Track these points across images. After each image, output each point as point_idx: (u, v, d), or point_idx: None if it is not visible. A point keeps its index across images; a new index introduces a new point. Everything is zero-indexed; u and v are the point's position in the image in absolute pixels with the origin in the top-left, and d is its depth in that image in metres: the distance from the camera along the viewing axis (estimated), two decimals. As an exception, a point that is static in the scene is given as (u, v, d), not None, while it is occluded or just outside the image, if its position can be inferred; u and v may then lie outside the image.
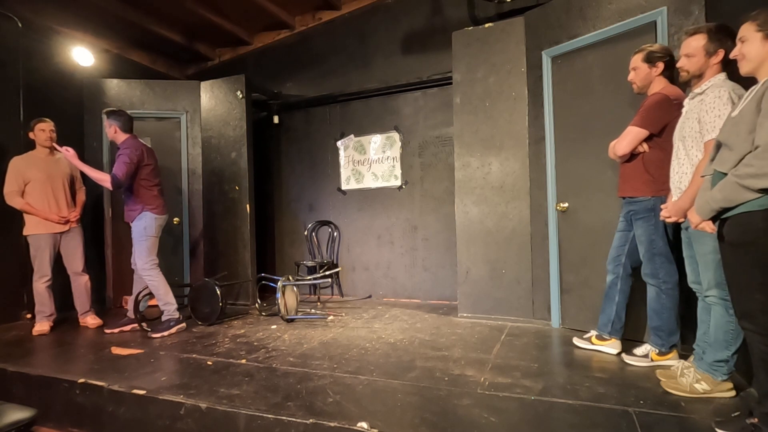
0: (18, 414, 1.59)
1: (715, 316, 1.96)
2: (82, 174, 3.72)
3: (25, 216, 3.45)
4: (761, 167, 1.44)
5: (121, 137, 3.34)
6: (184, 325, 3.43)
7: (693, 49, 2.04)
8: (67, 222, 3.52)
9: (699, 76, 2.06)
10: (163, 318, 3.39)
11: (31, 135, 3.49)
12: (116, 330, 3.41)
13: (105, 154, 4.41)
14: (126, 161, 3.21)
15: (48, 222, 3.45)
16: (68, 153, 3.23)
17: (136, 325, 3.46)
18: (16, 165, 3.44)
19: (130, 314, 3.47)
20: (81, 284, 3.63)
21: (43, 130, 3.46)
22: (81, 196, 3.72)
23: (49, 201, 3.47)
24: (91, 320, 3.62)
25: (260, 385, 2.24)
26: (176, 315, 3.40)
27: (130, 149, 3.27)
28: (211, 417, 1.99)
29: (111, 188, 3.25)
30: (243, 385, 2.24)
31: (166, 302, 3.37)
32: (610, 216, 2.84)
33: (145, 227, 3.31)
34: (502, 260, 3.52)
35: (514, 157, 3.49)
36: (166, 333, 3.28)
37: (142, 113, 4.57)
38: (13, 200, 3.40)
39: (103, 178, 3.22)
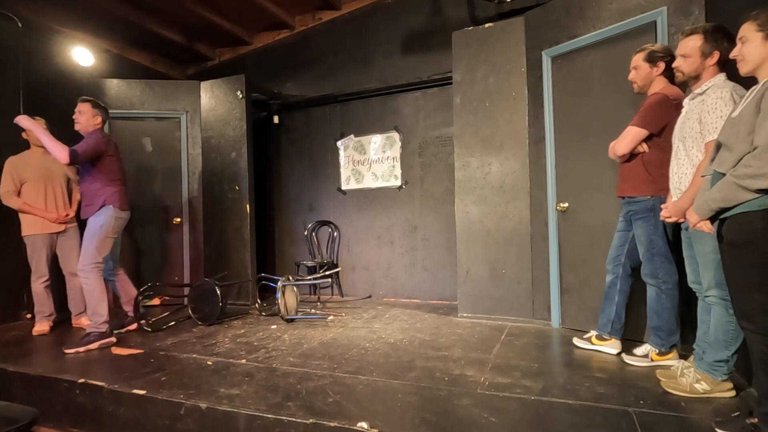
0: (18, 414, 1.59)
1: (715, 316, 1.96)
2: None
3: (21, 216, 3.44)
4: (759, 168, 1.44)
5: (95, 128, 3.18)
6: (112, 339, 3.06)
7: (689, 50, 2.04)
8: (63, 222, 3.50)
9: (696, 77, 2.07)
10: (87, 329, 3.05)
11: (23, 135, 3.48)
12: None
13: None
14: (91, 143, 3.02)
15: (44, 222, 3.44)
16: (23, 122, 2.98)
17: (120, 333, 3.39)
18: (12, 165, 3.43)
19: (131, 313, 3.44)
20: (77, 285, 3.56)
21: None
22: (76, 195, 3.68)
23: (47, 200, 3.46)
24: (86, 321, 3.54)
25: (260, 385, 2.24)
26: (102, 329, 3.02)
27: (98, 135, 3.11)
28: (211, 417, 1.99)
29: (67, 161, 2.89)
30: (243, 385, 2.24)
31: (95, 312, 3.02)
32: (610, 216, 2.84)
33: (102, 224, 3.05)
34: (502, 260, 3.52)
35: (514, 157, 3.49)
36: (82, 348, 2.89)
37: (142, 113, 4.58)
38: (10, 200, 3.39)
39: (60, 150, 2.89)
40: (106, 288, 3.33)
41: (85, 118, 3.16)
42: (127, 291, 3.57)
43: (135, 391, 2.19)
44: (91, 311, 3.05)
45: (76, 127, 3.18)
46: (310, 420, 1.82)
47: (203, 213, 4.66)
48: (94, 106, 3.20)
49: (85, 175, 3.15)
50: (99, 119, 3.22)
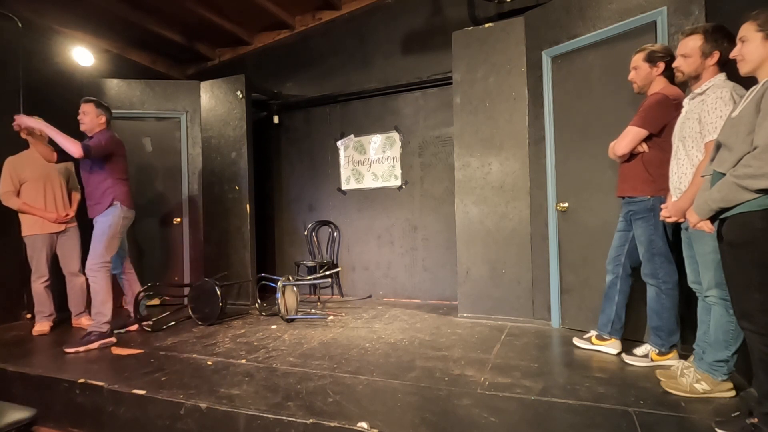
0: (18, 414, 1.59)
1: (715, 316, 1.96)
2: (77, 174, 3.70)
3: (21, 217, 3.44)
4: (759, 168, 1.44)
5: (100, 128, 3.20)
6: (112, 339, 3.07)
7: (689, 50, 2.04)
8: (63, 222, 3.50)
9: (696, 77, 2.07)
10: (88, 329, 3.06)
11: (22, 134, 3.48)
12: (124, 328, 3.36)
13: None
14: (103, 140, 3.06)
15: (44, 222, 3.43)
16: (30, 123, 2.99)
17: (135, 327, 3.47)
18: (11, 165, 3.43)
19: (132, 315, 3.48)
20: (77, 285, 3.60)
21: None
22: (76, 195, 3.69)
23: (46, 200, 3.46)
24: (86, 321, 3.58)
25: (260, 385, 2.24)
26: (104, 329, 3.03)
27: (109, 134, 3.15)
28: (211, 417, 1.99)
29: (81, 154, 2.93)
30: (243, 385, 2.24)
31: (99, 312, 3.03)
32: (610, 216, 2.84)
33: (110, 224, 3.09)
34: (502, 260, 3.52)
35: (514, 157, 3.49)
36: (82, 348, 2.90)
37: (142, 113, 4.58)
38: (10, 201, 3.38)
39: (73, 144, 2.91)
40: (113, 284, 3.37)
41: (89, 118, 3.18)
42: (134, 290, 3.57)
43: (135, 391, 2.19)
44: (96, 310, 3.05)
45: (82, 127, 3.20)
46: (310, 420, 1.82)
47: (203, 213, 4.66)
48: (97, 106, 3.21)
49: (94, 174, 3.16)
50: (103, 119, 3.23)
